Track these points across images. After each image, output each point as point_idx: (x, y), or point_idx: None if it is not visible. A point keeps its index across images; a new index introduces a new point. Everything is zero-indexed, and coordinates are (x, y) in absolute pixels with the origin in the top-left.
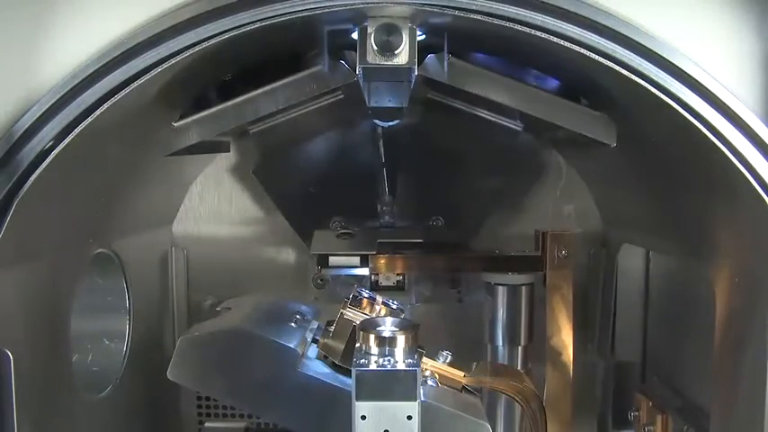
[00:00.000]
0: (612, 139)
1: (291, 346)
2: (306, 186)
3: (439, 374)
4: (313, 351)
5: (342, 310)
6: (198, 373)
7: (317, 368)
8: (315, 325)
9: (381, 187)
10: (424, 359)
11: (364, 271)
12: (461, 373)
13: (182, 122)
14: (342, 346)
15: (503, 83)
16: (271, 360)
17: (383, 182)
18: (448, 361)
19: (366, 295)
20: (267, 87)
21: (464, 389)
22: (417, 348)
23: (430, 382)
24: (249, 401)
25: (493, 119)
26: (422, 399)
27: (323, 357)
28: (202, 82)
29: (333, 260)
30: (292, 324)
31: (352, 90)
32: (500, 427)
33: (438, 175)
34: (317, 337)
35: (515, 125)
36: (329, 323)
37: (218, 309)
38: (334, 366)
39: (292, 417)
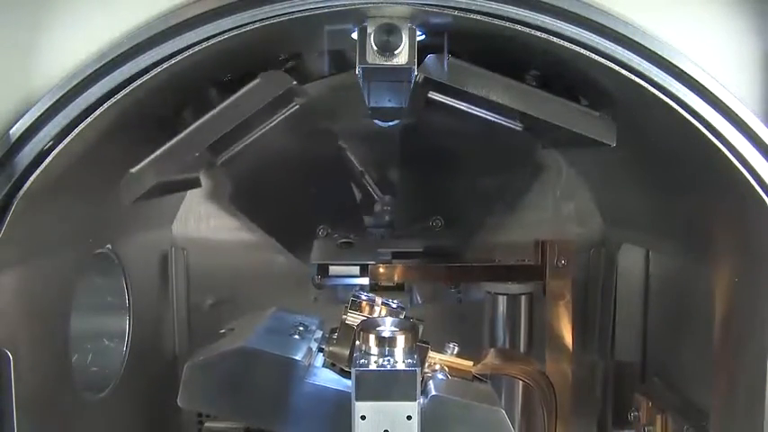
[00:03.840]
0: (613, 140)
1: (297, 358)
2: (285, 203)
3: (448, 366)
4: (320, 360)
5: (343, 316)
6: (208, 396)
7: (324, 376)
8: (319, 334)
9: (365, 191)
10: (431, 353)
11: (364, 280)
12: (470, 363)
13: (138, 167)
14: (347, 352)
15: (503, 83)
16: (279, 374)
17: (367, 186)
18: (455, 352)
19: (365, 298)
20: (207, 116)
21: (475, 378)
22: (422, 343)
23: (440, 375)
24: (262, 418)
25: (492, 118)
26: (433, 393)
27: (331, 365)
28: (203, 82)
29: (333, 270)
30: (296, 336)
31: (310, 97)
32: None
33: (437, 175)
34: (323, 346)
35: (515, 125)
36: (333, 330)
37: (221, 331)
38: (342, 373)
39: (307, 427)
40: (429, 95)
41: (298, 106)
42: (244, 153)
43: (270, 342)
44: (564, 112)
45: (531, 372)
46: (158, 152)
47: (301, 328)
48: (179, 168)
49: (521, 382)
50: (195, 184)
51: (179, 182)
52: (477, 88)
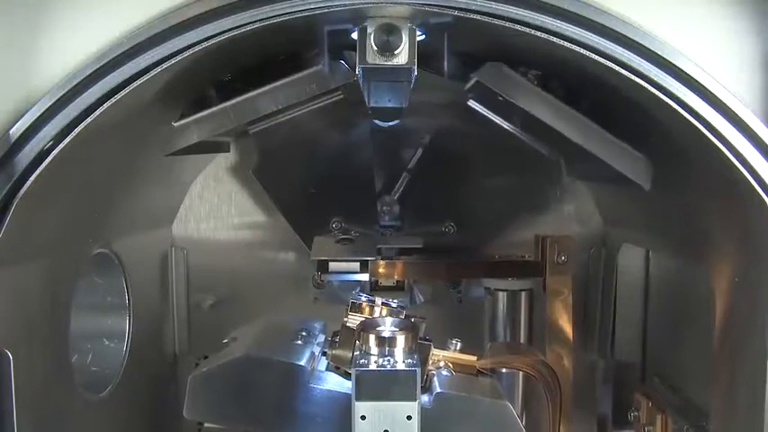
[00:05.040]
0: (647, 183)
1: (301, 363)
2: (305, 186)
3: (452, 362)
4: (323, 364)
5: (344, 319)
6: (214, 407)
7: (328, 380)
8: (321, 338)
9: (381, 188)
10: (435, 350)
11: (364, 276)
12: (474, 358)
13: (182, 122)
14: (349, 354)
15: (554, 106)
16: (283, 380)
17: (382, 182)
18: (458, 348)
19: (365, 299)
20: (267, 87)
21: (479, 372)
22: (425, 340)
23: (444, 372)
24: (269, 425)
25: (523, 138)
26: (438, 389)
27: (334, 368)
28: (203, 81)
29: (333, 266)
30: (298, 342)
31: (352, 90)
32: None
33: (447, 180)
34: (326, 350)
35: (543, 149)
36: (335, 334)
37: (224, 341)
38: (346, 375)
39: (314, 430)
40: (468, 103)
41: (342, 96)
42: (277, 128)
43: (273, 349)
44: (607, 146)
45: (535, 363)
46: (206, 111)
47: (304, 333)
48: (221, 131)
49: (521, 377)
50: (225, 148)
51: (211, 144)
52: (529, 105)
